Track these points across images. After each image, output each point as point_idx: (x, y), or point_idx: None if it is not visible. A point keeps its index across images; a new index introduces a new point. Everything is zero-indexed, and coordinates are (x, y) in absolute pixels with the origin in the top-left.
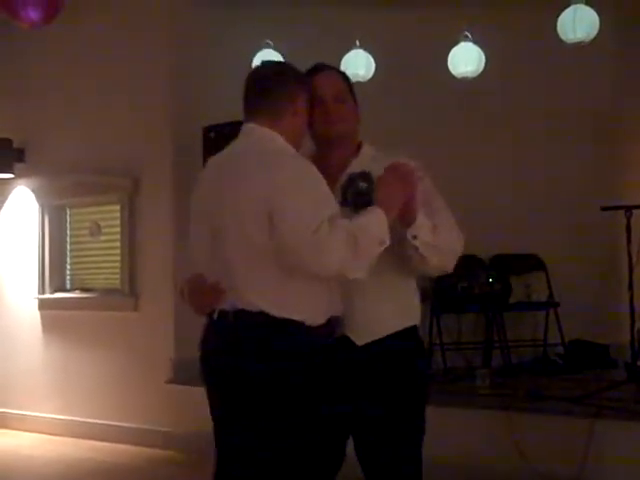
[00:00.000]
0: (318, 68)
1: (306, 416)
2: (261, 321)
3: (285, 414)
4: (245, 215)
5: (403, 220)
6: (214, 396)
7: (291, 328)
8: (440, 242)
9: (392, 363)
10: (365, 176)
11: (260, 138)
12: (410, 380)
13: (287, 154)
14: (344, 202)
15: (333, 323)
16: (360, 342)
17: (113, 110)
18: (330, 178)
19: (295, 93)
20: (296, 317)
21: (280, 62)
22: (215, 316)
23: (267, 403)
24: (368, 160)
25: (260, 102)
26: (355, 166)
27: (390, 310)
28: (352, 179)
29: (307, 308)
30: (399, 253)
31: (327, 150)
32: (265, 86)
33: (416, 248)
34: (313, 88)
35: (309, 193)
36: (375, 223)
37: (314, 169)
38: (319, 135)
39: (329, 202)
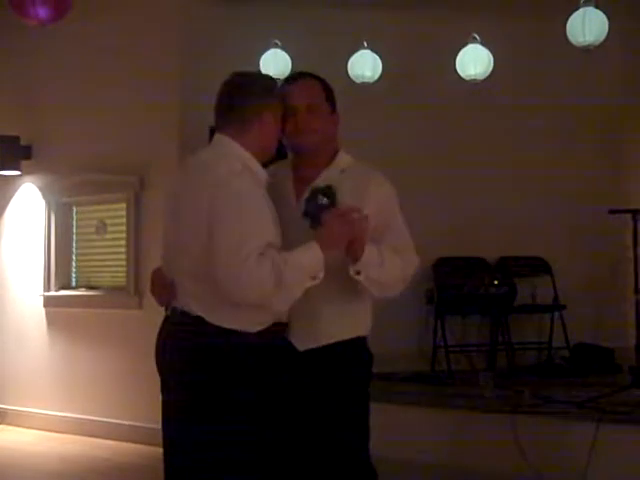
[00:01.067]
0: (293, 77)
1: (233, 412)
2: (198, 324)
3: (215, 413)
4: (188, 228)
5: (348, 256)
6: (161, 385)
7: (224, 334)
8: (385, 278)
9: (330, 371)
10: (327, 191)
11: (223, 154)
12: (345, 391)
13: (236, 176)
14: (305, 215)
15: (272, 329)
16: (301, 348)
17: (120, 109)
18: (302, 188)
19: (261, 105)
20: (229, 325)
21: (249, 73)
22: (168, 312)
23: (200, 406)
24: (337, 173)
25: (227, 115)
26: (322, 178)
27: (334, 319)
28: (314, 193)
29: (242, 317)
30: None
31: (300, 160)
32: (231, 99)
33: (359, 281)
34: (287, 98)
35: (244, 219)
36: (308, 259)
37: (257, 193)
38: (290, 146)
39: (263, 230)
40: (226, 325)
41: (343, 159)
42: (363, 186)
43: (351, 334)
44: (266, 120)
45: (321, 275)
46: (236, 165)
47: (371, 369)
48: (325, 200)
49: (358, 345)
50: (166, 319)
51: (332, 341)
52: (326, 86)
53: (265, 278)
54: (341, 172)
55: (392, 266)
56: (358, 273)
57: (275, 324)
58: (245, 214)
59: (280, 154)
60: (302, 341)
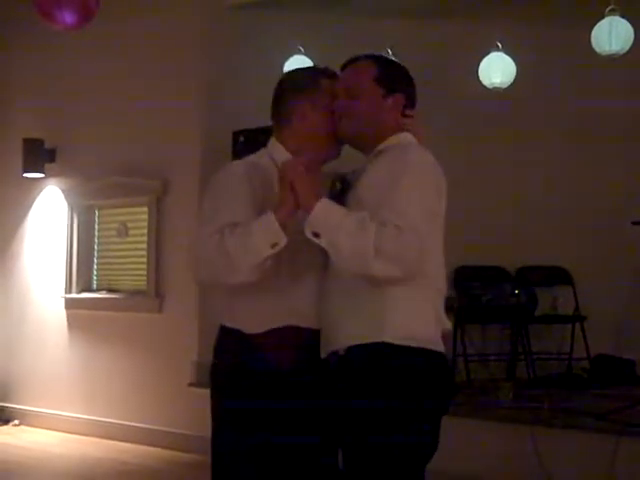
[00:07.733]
0: (344, 63)
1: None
2: (221, 327)
3: (227, 412)
4: None
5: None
6: None
7: (232, 335)
8: (343, 243)
9: (346, 382)
10: (345, 177)
11: (260, 153)
12: (358, 408)
13: (242, 164)
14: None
15: (282, 332)
16: (322, 354)
17: (143, 112)
18: None
19: (294, 98)
20: (234, 325)
21: (295, 69)
22: None
23: (221, 410)
24: (371, 157)
25: (272, 113)
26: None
27: (346, 318)
28: (334, 180)
29: (246, 317)
30: None
31: (358, 149)
32: (273, 97)
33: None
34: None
35: (210, 204)
36: (257, 228)
37: (231, 180)
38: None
39: (239, 212)
40: (231, 325)
41: (390, 141)
42: (378, 164)
43: (368, 339)
44: (303, 110)
45: (283, 241)
46: (261, 159)
47: (406, 383)
48: (339, 186)
49: (379, 353)
50: None
51: (349, 344)
52: (381, 67)
53: (213, 254)
54: (375, 155)
55: (355, 231)
56: (317, 235)
57: (291, 326)
58: (213, 198)
59: None
60: (322, 346)
